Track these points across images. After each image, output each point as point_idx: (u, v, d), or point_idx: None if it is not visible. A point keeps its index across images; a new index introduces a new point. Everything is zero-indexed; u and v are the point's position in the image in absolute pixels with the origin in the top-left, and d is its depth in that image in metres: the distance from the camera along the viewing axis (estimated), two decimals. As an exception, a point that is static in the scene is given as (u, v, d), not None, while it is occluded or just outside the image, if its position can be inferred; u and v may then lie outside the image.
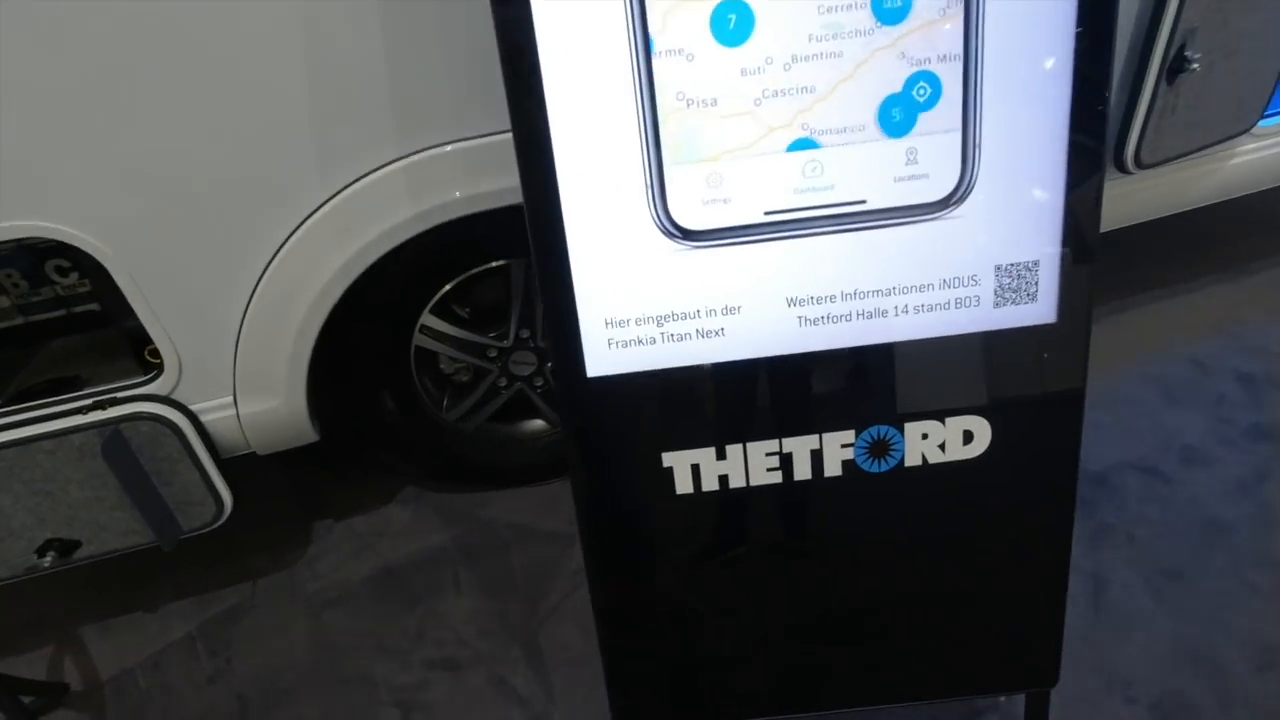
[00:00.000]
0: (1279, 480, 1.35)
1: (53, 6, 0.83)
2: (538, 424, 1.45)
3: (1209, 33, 1.17)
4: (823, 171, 0.70)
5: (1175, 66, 1.19)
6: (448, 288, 1.24)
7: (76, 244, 0.96)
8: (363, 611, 1.33)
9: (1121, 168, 1.30)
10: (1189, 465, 1.40)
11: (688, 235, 0.71)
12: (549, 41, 0.65)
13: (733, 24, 0.64)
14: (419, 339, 1.28)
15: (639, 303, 0.73)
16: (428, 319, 1.26)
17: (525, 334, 1.31)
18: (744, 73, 0.66)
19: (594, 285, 0.73)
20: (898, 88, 0.67)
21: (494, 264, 1.23)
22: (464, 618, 1.29)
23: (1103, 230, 1.43)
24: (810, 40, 0.65)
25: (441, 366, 1.37)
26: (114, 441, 1.07)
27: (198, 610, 1.36)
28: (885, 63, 0.66)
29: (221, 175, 0.97)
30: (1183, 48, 1.17)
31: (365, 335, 1.22)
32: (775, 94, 0.67)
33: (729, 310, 0.73)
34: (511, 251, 1.22)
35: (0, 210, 0.92)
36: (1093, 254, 0.74)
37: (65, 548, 1.15)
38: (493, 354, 1.32)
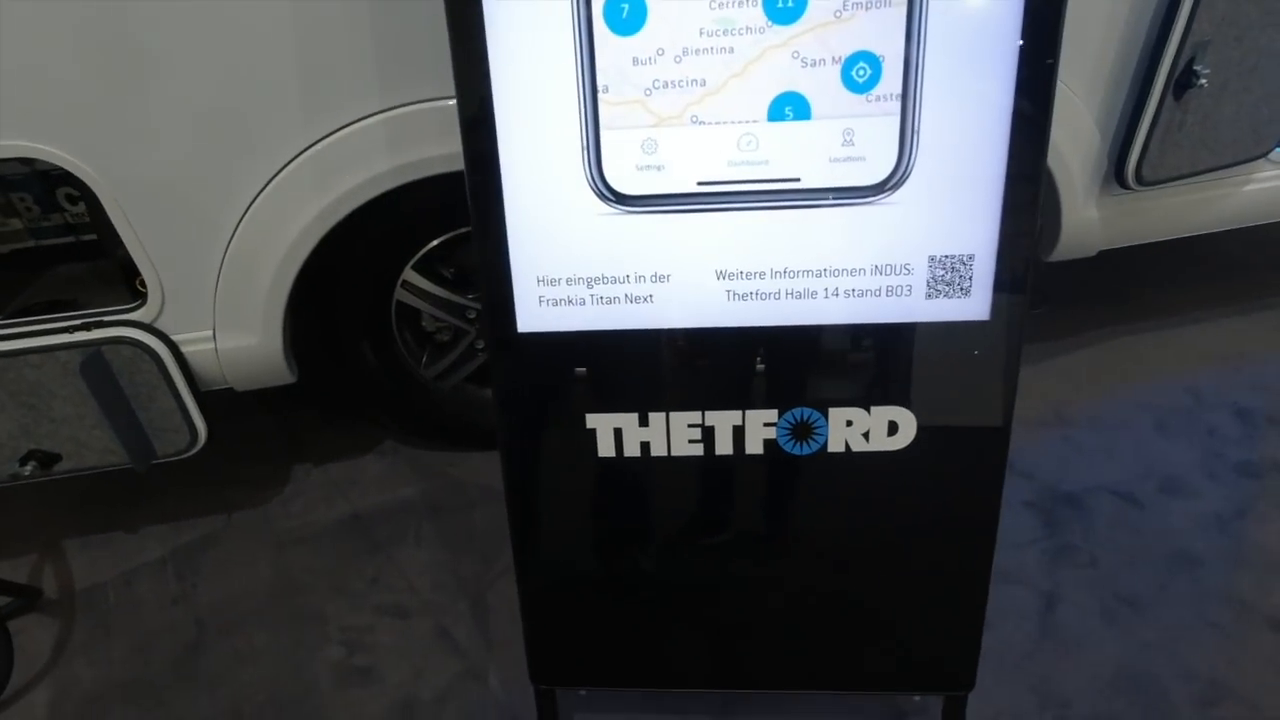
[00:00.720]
0: (1258, 519, 1.31)
1: None
2: (514, 390, 1.47)
3: (1222, 48, 1.13)
4: (758, 146, 0.70)
5: (1183, 81, 1.15)
6: (431, 245, 1.27)
7: (66, 167, 1.01)
8: (325, 552, 1.37)
9: (1122, 183, 1.27)
10: (1167, 495, 1.36)
11: (620, 200, 0.72)
12: (494, 11, 0.67)
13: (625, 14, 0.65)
14: (400, 294, 1.31)
15: (570, 263, 0.74)
16: (410, 275, 1.29)
17: (503, 298, 1.33)
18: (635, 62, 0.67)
19: (527, 241, 0.74)
20: (790, 87, 0.67)
21: (476, 226, 1.25)
22: (419, 569, 1.33)
23: (1105, 248, 1.42)
24: (702, 35, 0.65)
25: (423, 324, 1.40)
26: (94, 361, 1.12)
27: (173, 535, 1.42)
28: (777, 60, 0.66)
29: (207, 111, 1.00)
30: (1191, 61, 1.13)
31: (348, 284, 1.26)
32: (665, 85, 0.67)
33: (658, 278, 0.74)
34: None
35: (10, 134, 0.97)
36: (1030, 253, 0.73)
37: (46, 459, 1.21)
38: (472, 315, 1.35)
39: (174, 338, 1.17)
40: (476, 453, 1.54)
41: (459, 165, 1.09)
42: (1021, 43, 0.65)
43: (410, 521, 1.42)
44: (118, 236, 1.09)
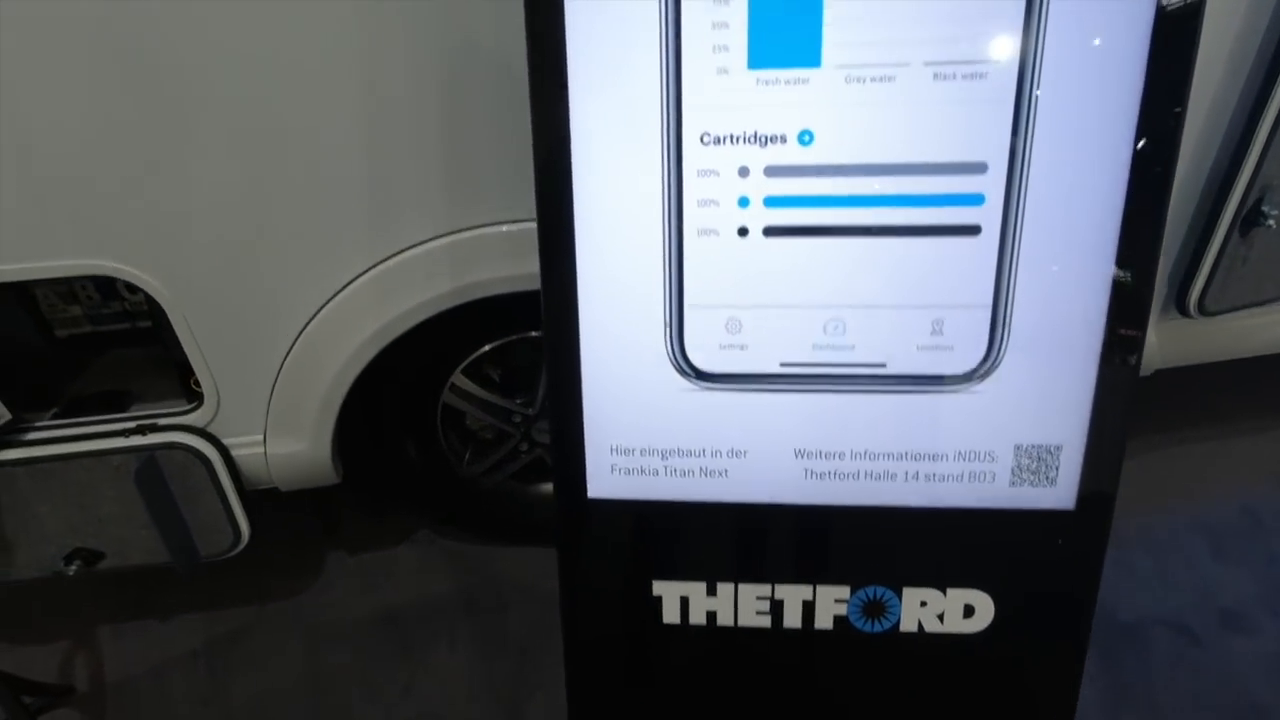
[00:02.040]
0: (1325, 664, 1.26)
1: (124, 64, 0.89)
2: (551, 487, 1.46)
3: (1292, 190, 1.12)
4: (844, 331, 0.69)
5: (1250, 219, 1.14)
6: (481, 351, 1.26)
7: (138, 283, 1.02)
8: (358, 651, 1.35)
9: (1183, 311, 1.25)
10: (1228, 630, 1.32)
11: (701, 376, 0.71)
12: (583, 194, 0.67)
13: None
14: (448, 397, 1.30)
15: (646, 434, 0.73)
16: (458, 379, 1.29)
17: (551, 404, 1.33)
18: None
19: (604, 410, 0.73)
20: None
21: (530, 334, 1.25)
22: (454, 676, 1.30)
23: (1161, 368, 1.39)
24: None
25: (467, 422, 1.40)
26: (148, 467, 1.12)
27: (205, 625, 1.41)
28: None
29: (275, 230, 1.01)
30: (1259, 202, 1.12)
31: (396, 388, 1.25)
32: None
33: (735, 453, 0.73)
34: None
35: (70, 248, 0.99)
36: (1121, 445, 0.71)
37: (90, 558, 1.20)
38: (517, 419, 1.34)
39: (225, 441, 1.17)
40: (513, 547, 1.52)
41: (518, 287, 1.12)
42: (1117, 270, 0.64)
43: (445, 621, 1.40)
44: (178, 342, 1.10)
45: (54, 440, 1.14)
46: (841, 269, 0.67)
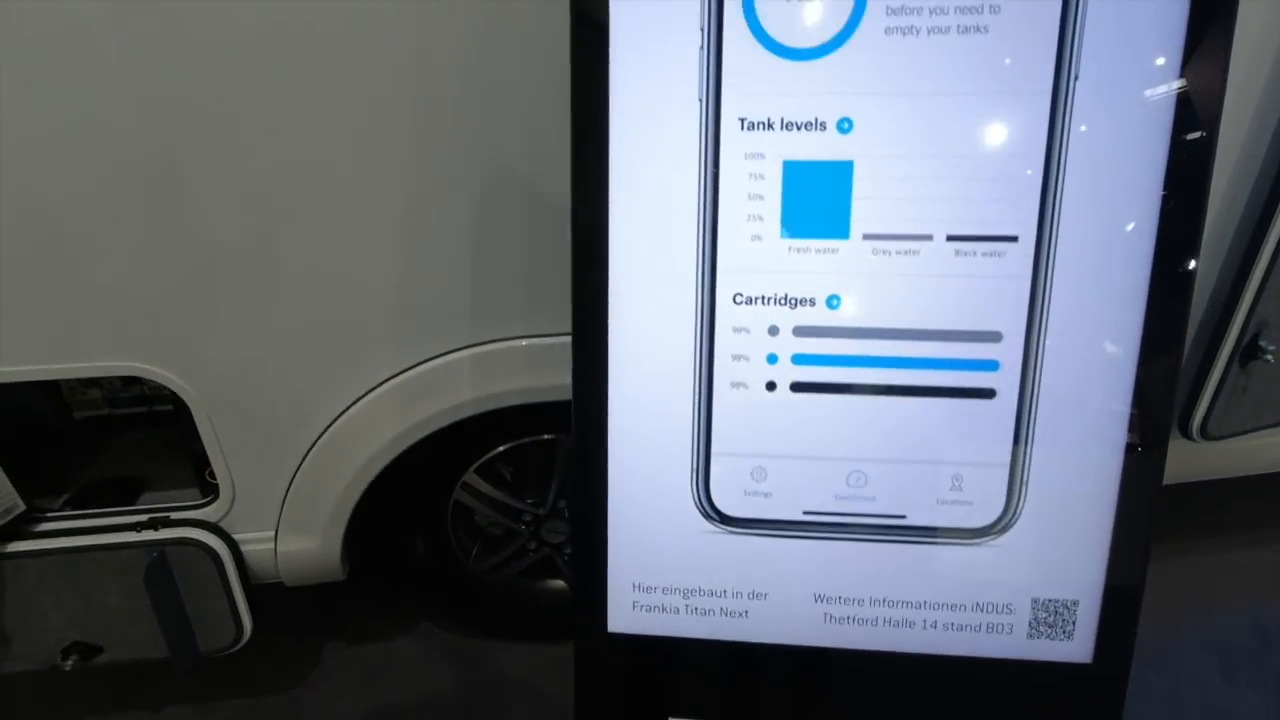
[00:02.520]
0: (1341, 800, 1.23)
1: (154, 173, 0.92)
2: (559, 584, 1.45)
3: (1287, 326, 1.16)
4: (866, 483, 0.71)
5: (1249, 353, 1.18)
6: (495, 452, 1.28)
7: (165, 383, 1.04)
8: (353, 755, 1.31)
9: (1185, 434, 1.28)
10: (1238, 759, 1.30)
11: (725, 520, 0.72)
12: (619, 329, 0.70)
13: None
14: (459, 494, 1.31)
15: (669, 573, 0.74)
16: (471, 477, 1.30)
17: (562, 504, 1.33)
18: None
19: (628, 548, 0.74)
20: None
21: (543, 436, 1.27)
22: (451, 786, 1.27)
23: (1166, 483, 1.40)
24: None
25: (476, 518, 1.40)
26: (158, 563, 1.12)
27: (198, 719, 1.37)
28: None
29: (303, 337, 1.04)
30: (1257, 337, 1.16)
31: (409, 486, 1.26)
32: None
33: (756, 595, 0.74)
34: (561, 428, 1.26)
35: (100, 350, 1.01)
36: (1138, 599, 0.72)
37: (88, 652, 1.18)
38: (528, 518, 1.34)
39: (236, 537, 1.17)
40: (515, 643, 1.49)
41: (535, 398, 1.14)
42: (1131, 443, 0.67)
43: (444, 719, 1.37)
44: (198, 435, 1.11)
45: (65, 532, 1.13)
46: (864, 424, 0.69)
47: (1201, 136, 0.62)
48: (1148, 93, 0.62)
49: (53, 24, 0.85)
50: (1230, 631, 1.52)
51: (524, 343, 1.08)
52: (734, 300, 0.68)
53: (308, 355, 1.06)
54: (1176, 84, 0.61)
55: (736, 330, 0.69)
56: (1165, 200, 0.63)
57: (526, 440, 1.29)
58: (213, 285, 1.00)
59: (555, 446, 1.30)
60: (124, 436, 1.44)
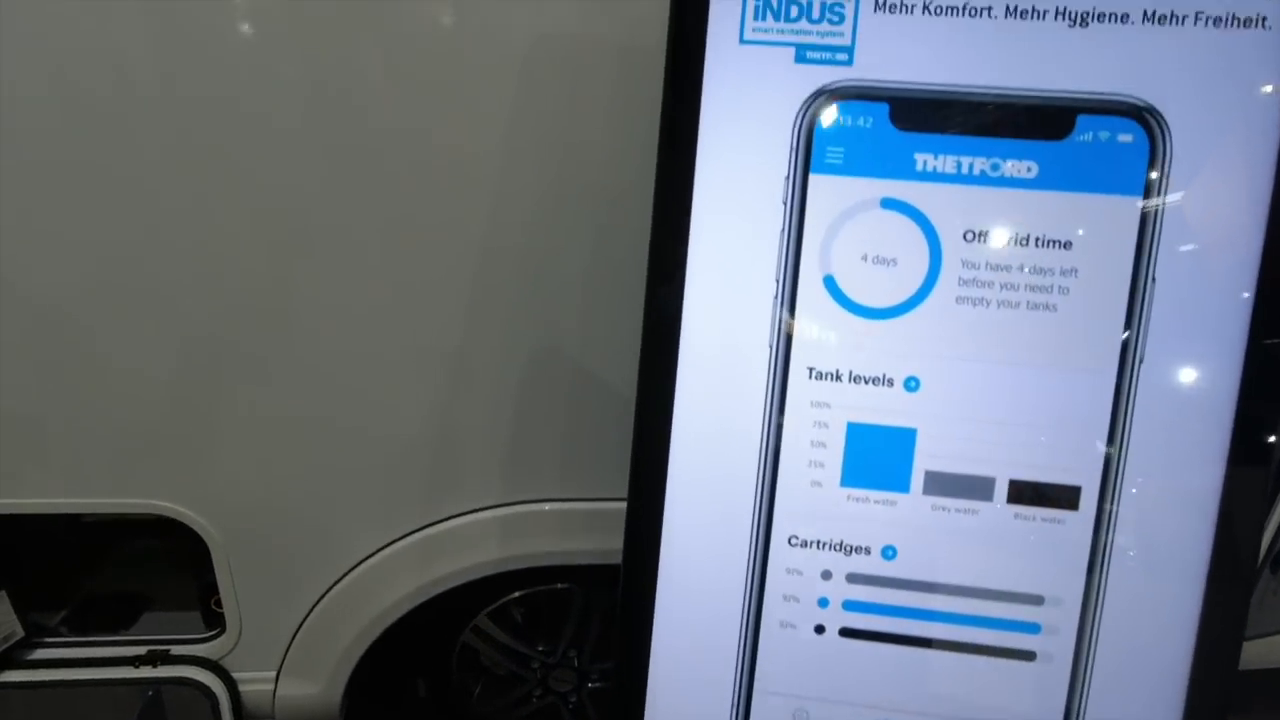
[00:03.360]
0: None
1: (185, 324, 0.94)
2: (561, 731, 1.40)
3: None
4: (912, 736, 0.69)
5: (1279, 561, 1.17)
6: (509, 597, 1.25)
7: (189, 523, 1.03)
8: None
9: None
10: None
11: (763, 762, 0.70)
12: (670, 551, 0.69)
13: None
14: (467, 636, 1.27)
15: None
16: (482, 621, 1.26)
17: (572, 654, 1.30)
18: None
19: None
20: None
21: (558, 585, 1.24)
22: None
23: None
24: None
25: (481, 659, 1.36)
26: (152, 704, 1.07)
27: None
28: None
29: (330, 481, 1.03)
30: (1290, 545, 1.16)
31: (417, 629, 1.23)
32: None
33: (789, 842, 0.70)
34: (577, 578, 1.24)
35: (127, 489, 1.00)
36: None
37: (69, 789, 1.13)
38: (535, 665, 1.31)
39: (236, 676, 1.13)
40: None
41: (566, 560, 1.12)
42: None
43: None
44: (211, 567, 1.08)
45: (60, 663, 1.10)
46: (910, 676, 0.68)
47: (1265, 426, 0.63)
48: (1210, 378, 0.63)
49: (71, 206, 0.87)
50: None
51: (556, 506, 1.07)
52: (789, 542, 0.67)
53: (335, 501, 1.05)
54: (1239, 372, 0.62)
55: (789, 571, 0.68)
56: (1227, 481, 0.64)
57: (542, 588, 1.26)
58: (244, 427, 0.99)
59: (571, 594, 1.27)
60: (129, 543, 1.41)
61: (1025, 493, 0.66)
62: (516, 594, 1.26)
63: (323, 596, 1.09)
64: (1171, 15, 0.59)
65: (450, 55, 0.84)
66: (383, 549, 1.07)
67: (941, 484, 0.66)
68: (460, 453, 1.03)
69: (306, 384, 0.98)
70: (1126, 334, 0.62)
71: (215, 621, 1.15)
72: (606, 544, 1.05)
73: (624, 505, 0.72)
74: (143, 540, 1.40)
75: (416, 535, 1.06)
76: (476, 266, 0.92)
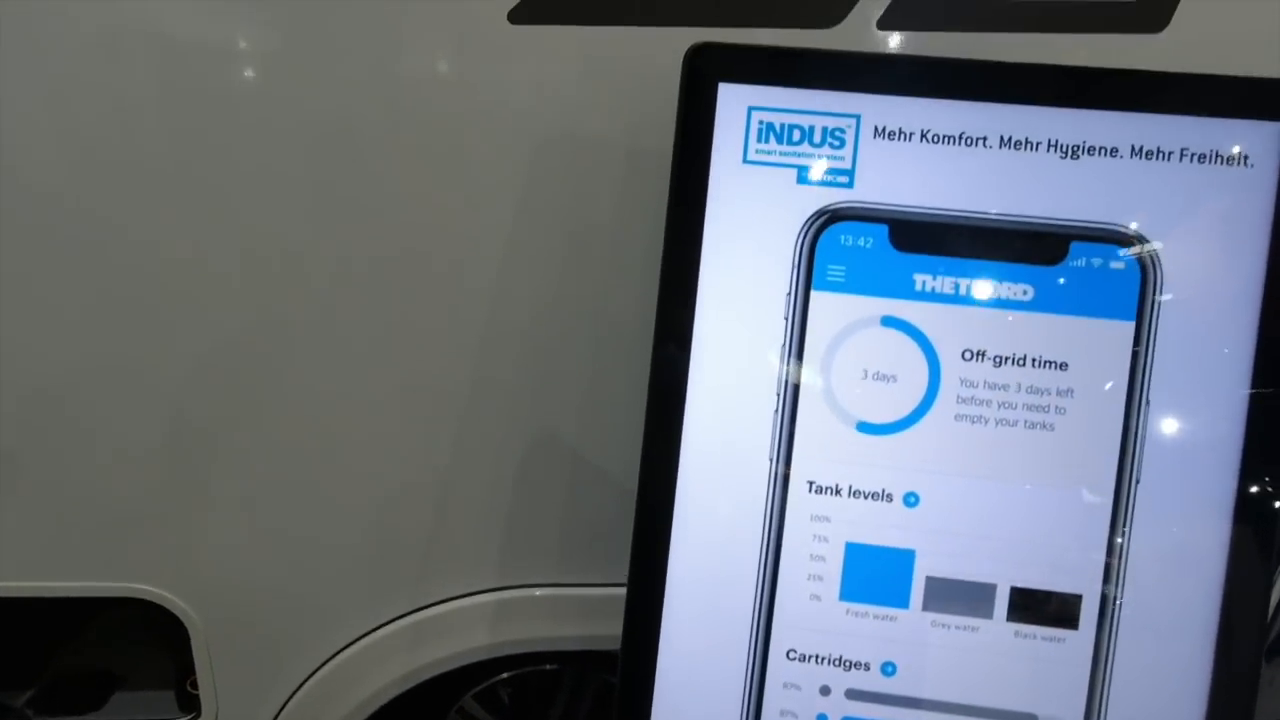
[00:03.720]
0: None
1: (168, 410, 0.93)
2: (543, 816, 1.35)
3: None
4: None
5: (1275, 648, 1.17)
6: (497, 679, 1.22)
7: (170, 608, 1.00)
8: None
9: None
10: None
11: None
12: (666, 671, 0.68)
13: None
14: (452, 718, 1.24)
15: None
16: (468, 703, 1.23)
17: (559, 737, 1.26)
18: None
19: None
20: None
21: (546, 666, 1.22)
22: None
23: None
24: None
25: (464, 736, 1.32)
26: (121, 796, 1.03)
27: None
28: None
29: (321, 568, 1.01)
30: (1281, 637, 1.16)
31: (398, 715, 1.19)
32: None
33: None
34: (566, 659, 1.21)
35: (100, 570, 0.98)
36: None
37: None
38: (520, 749, 1.27)
39: (208, 763, 1.09)
40: None
41: (559, 646, 1.10)
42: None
43: None
44: (188, 646, 1.05)
45: (27, 751, 1.05)
46: (913, 796, 0.66)
47: (1260, 546, 0.63)
48: (1206, 500, 0.63)
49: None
50: None
51: (549, 591, 1.05)
52: (787, 657, 0.66)
53: (321, 585, 1.03)
54: (1233, 491, 0.63)
55: (787, 686, 0.67)
56: (1225, 601, 0.64)
57: (529, 669, 1.23)
58: (228, 509, 0.98)
59: (560, 675, 1.24)
60: (101, 616, 1.37)
61: (1025, 602, 0.65)
62: (505, 675, 1.23)
63: (305, 681, 1.05)
64: (1159, 151, 0.62)
65: (454, 147, 0.86)
66: (370, 633, 1.04)
67: (941, 595, 0.66)
68: (454, 536, 1.02)
69: (295, 466, 0.96)
70: (1122, 454, 0.63)
71: (190, 704, 1.11)
72: (600, 630, 1.03)
73: (617, 591, 0.71)
74: (115, 613, 1.36)
75: (406, 619, 1.03)
76: (476, 356, 0.92)
